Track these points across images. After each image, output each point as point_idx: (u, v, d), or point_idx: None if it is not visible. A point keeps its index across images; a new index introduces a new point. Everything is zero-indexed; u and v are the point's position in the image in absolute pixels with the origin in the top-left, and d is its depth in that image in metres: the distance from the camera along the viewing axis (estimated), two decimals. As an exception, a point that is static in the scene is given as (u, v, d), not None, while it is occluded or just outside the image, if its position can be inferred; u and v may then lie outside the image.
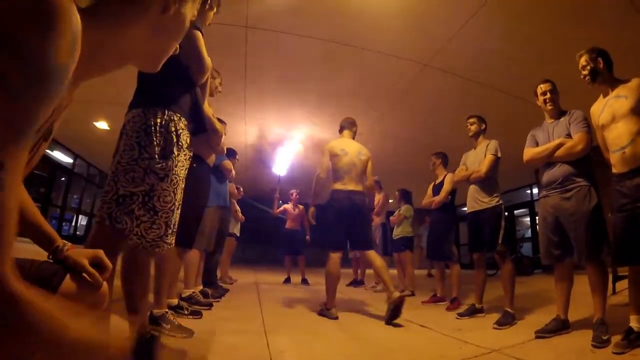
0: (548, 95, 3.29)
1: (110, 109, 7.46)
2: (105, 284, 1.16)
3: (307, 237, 7.99)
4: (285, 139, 9.21)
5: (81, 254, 1.12)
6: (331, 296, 3.82)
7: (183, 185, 2.00)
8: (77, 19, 0.64)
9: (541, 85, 3.34)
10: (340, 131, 4.56)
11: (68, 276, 1.06)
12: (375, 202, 7.42)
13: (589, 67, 2.86)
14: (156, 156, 1.80)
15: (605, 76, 2.85)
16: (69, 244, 1.14)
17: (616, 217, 2.74)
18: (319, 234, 4.07)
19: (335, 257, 3.89)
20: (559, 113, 3.26)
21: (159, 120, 1.86)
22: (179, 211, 2.00)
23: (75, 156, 11.86)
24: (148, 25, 0.88)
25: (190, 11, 0.99)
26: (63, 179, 12.04)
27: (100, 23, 0.73)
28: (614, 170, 2.79)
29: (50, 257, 1.11)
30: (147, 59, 0.97)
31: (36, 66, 0.57)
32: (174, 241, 2.01)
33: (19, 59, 0.56)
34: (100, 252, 1.16)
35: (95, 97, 6.81)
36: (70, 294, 1.05)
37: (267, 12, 4.63)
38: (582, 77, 2.92)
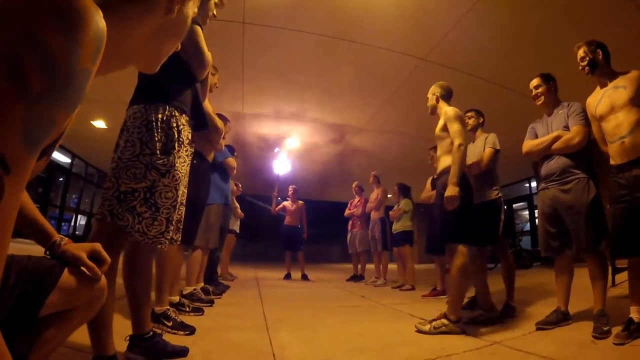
0: (533, 91, 3.34)
1: (108, 107, 7.43)
2: (103, 277, 1.15)
3: (305, 234, 8.03)
4: (283, 134, 9.21)
5: (79, 248, 1.12)
6: (459, 303, 3.10)
7: (185, 182, 2.00)
8: (103, 26, 0.63)
9: (531, 81, 3.37)
10: (446, 100, 3.55)
11: (66, 270, 1.06)
12: (374, 197, 7.44)
13: (587, 59, 2.86)
14: (157, 152, 1.79)
15: (604, 68, 2.85)
16: (66, 238, 1.14)
17: (614, 208, 2.75)
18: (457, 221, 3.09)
19: (466, 252, 3.07)
20: (553, 106, 3.26)
21: (160, 116, 1.85)
22: (182, 207, 2.00)
23: (73, 156, 11.82)
24: (151, 26, 0.87)
25: (191, 10, 0.99)
26: (61, 179, 12.00)
27: (108, 23, 0.73)
28: (611, 162, 2.80)
29: (48, 252, 1.11)
30: (148, 60, 0.97)
31: (58, 70, 0.56)
32: (179, 237, 2.01)
33: (41, 61, 0.55)
34: (98, 246, 1.16)
35: (92, 96, 6.79)
36: (69, 288, 1.05)
37: (264, 7, 4.63)
38: (580, 68, 2.92)
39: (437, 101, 3.52)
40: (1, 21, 0.54)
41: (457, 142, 3.15)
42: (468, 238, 3.12)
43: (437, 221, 3.30)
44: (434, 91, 3.56)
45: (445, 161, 3.28)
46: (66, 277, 1.05)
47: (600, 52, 2.83)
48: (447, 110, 3.32)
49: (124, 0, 0.82)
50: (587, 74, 2.91)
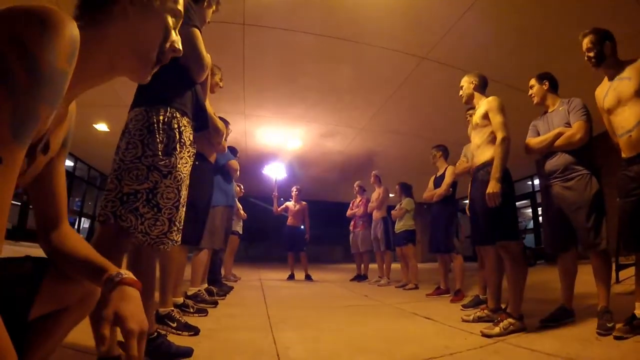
0: (529, 91, 3.35)
1: (109, 110, 7.47)
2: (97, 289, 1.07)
3: (307, 235, 8.05)
4: (285, 135, 9.21)
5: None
6: (521, 300, 3.00)
7: (187, 183, 2.01)
8: (76, 32, 0.73)
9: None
10: (482, 89, 3.50)
11: (48, 275, 1.02)
12: (375, 197, 7.45)
13: (595, 50, 2.78)
14: (159, 153, 1.80)
15: (610, 59, 2.77)
16: (124, 271, 0.98)
17: (624, 202, 2.70)
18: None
19: (520, 248, 3.15)
20: (552, 103, 3.26)
21: (161, 118, 1.87)
22: (184, 208, 2.01)
23: (75, 159, 11.85)
24: (121, 34, 0.96)
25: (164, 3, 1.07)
26: (64, 182, 12.02)
27: (84, 37, 0.80)
28: (622, 155, 2.75)
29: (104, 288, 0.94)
30: (135, 64, 1.02)
31: (40, 68, 0.65)
32: (180, 238, 2.02)
33: (25, 60, 0.63)
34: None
35: (94, 99, 6.81)
36: (54, 290, 1.03)
37: (263, 8, 4.63)
38: (586, 59, 2.84)
39: (475, 90, 3.47)
40: None
41: (500, 135, 3.07)
42: (520, 234, 3.12)
43: (479, 216, 3.27)
44: (470, 80, 3.51)
45: (485, 152, 3.23)
46: (48, 281, 1.01)
47: (609, 44, 2.75)
48: (490, 100, 3.25)
49: (94, 20, 0.94)
50: (593, 66, 2.83)
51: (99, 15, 0.94)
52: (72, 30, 0.71)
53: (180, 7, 1.13)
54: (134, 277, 0.96)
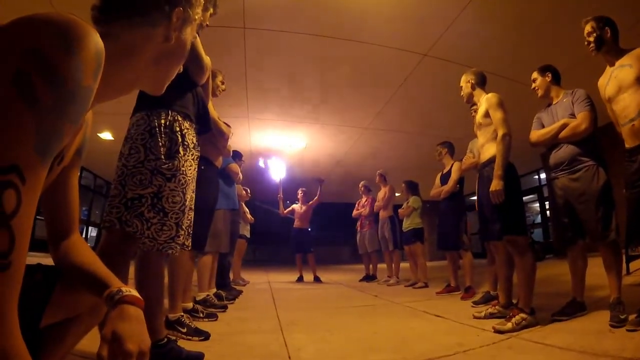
0: (532, 85, 3.32)
1: (113, 119, 7.46)
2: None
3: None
4: (289, 137, 9.21)
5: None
6: (532, 295, 2.97)
7: (193, 186, 2.00)
8: (101, 44, 0.70)
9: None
10: (482, 86, 3.47)
11: (59, 284, 1.00)
12: (382, 196, 7.42)
13: (594, 35, 2.76)
14: (162, 157, 1.80)
15: (611, 46, 2.75)
16: (126, 287, 0.93)
17: (629, 194, 2.68)
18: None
19: (528, 243, 3.18)
20: (555, 95, 3.23)
21: (162, 121, 1.87)
22: (192, 212, 2.00)
23: (81, 168, 11.84)
24: (152, 52, 0.95)
25: (190, 35, 1.08)
26: (71, 191, 12.07)
27: (109, 50, 0.78)
28: (626, 146, 2.72)
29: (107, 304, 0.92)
30: (153, 83, 1.04)
31: (65, 87, 0.63)
32: (190, 243, 2.01)
33: (50, 79, 0.61)
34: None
35: (98, 108, 6.78)
36: (65, 300, 1.02)
37: (263, 11, 4.63)
38: (586, 43, 2.83)
39: (473, 88, 3.45)
40: (9, 43, 0.61)
41: (501, 132, 3.06)
42: (527, 229, 3.10)
43: (486, 212, 3.26)
44: (467, 79, 3.50)
45: (489, 150, 3.23)
46: (59, 290, 1.00)
47: (609, 30, 2.73)
48: (489, 97, 3.24)
49: (123, 29, 0.89)
50: (592, 51, 2.81)
51: (138, 34, 0.91)
52: (97, 43, 0.68)
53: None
54: (135, 295, 0.92)
